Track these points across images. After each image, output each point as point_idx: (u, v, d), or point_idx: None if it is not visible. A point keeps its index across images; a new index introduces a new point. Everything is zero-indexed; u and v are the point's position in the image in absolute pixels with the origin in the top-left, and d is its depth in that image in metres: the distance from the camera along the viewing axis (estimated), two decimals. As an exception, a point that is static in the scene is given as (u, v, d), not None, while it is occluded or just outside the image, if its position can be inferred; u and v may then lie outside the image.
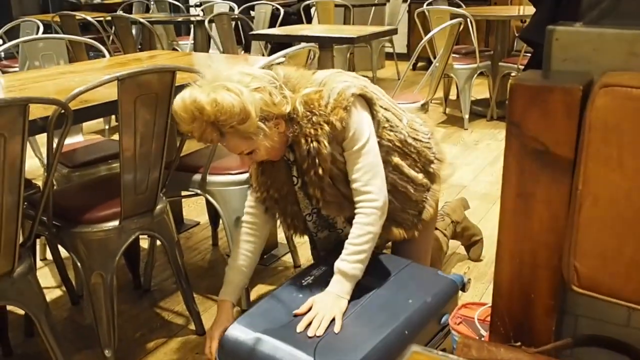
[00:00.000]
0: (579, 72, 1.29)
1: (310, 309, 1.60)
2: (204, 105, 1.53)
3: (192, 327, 2.38)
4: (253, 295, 2.60)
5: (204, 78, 1.62)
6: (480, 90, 5.99)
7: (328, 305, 1.60)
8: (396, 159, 1.81)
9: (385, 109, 1.78)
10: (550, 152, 1.23)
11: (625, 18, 1.28)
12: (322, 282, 1.72)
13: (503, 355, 1.22)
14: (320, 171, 1.67)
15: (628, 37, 1.25)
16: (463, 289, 1.82)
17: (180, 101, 1.58)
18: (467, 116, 5.15)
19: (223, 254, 3.02)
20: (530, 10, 5.70)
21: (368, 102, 1.71)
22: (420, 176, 1.88)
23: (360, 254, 1.67)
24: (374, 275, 1.76)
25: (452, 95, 5.75)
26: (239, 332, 1.58)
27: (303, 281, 1.75)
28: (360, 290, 1.69)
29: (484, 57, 5.21)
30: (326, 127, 1.63)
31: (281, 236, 2.98)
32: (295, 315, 1.61)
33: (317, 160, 1.66)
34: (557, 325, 1.35)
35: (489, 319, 1.46)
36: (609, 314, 1.39)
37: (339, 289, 1.65)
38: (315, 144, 1.64)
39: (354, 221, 1.70)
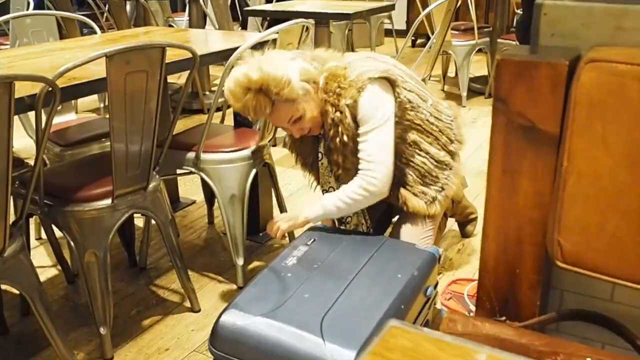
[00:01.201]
0: (566, 48, 1.28)
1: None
2: (252, 75, 1.77)
3: (188, 304, 2.39)
4: (249, 273, 2.60)
5: (245, 63, 1.85)
6: (479, 67, 5.95)
7: (289, 216, 2.00)
8: (414, 136, 1.96)
9: (409, 90, 1.92)
10: (536, 128, 1.23)
11: None
12: (310, 257, 1.75)
13: (488, 329, 1.23)
14: (345, 138, 1.85)
15: (616, 12, 1.24)
16: (439, 261, 1.87)
17: (231, 78, 1.82)
18: (465, 93, 5.11)
19: (219, 232, 3.03)
20: (530, -16, 5.64)
21: (392, 84, 1.85)
22: (441, 154, 2.03)
23: (342, 202, 1.90)
24: (357, 252, 1.80)
25: (451, 73, 5.71)
26: (236, 317, 1.54)
27: (287, 261, 1.76)
28: (348, 267, 1.71)
29: (482, 33, 5.16)
30: (348, 101, 1.82)
31: (277, 214, 2.98)
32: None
33: (340, 129, 1.84)
34: (542, 300, 1.36)
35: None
36: (593, 289, 1.40)
37: (308, 209, 1.97)
38: (339, 114, 1.83)
39: (353, 180, 1.90)
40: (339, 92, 1.82)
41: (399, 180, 2.01)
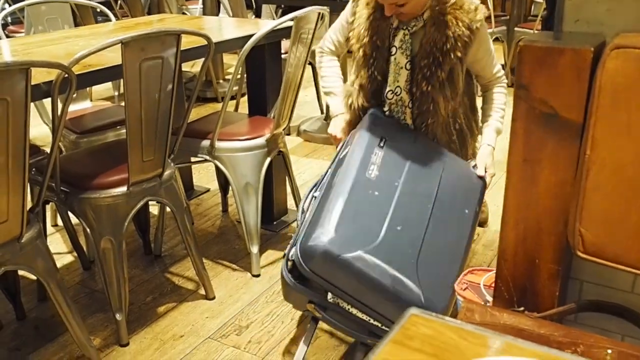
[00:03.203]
0: (591, 34, 1.25)
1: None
2: None
3: (202, 291, 2.39)
4: (263, 261, 2.61)
5: None
6: (495, 56, 5.88)
7: (485, 159, 1.99)
8: (467, 100, 2.08)
9: None
10: (558, 115, 1.20)
11: None
12: (388, 170, 1.77)
13: (506, 319, 1.22)
14: (459, 54, 1.89)
15: None
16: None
17: None
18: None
19: (233, 220, 3.03)
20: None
21: None
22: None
23: (504, 114, 2.05)
24: (428, 168, 1.84)
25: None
26: (340, 246, 1.55)
27: (370, 172, 1.73)
28: (424, 191, 1.77)
29: (499, 22, 5.10)
30: (467, 20, 1.88)
31: (291, 203, 2.98)
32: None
33: (458, 44, 1.87)
34: (561, 290, 1.34)
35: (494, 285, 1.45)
36: (614, 280, 1.38)
37: (492, 140, 2.04)
38: (463, 29, 1.87)
39: (495, 91, 2.09)
40: (467, 10, 1.88)
41: (445, 145, 2.02)
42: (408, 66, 1.94)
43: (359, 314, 1.65)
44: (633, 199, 1.13)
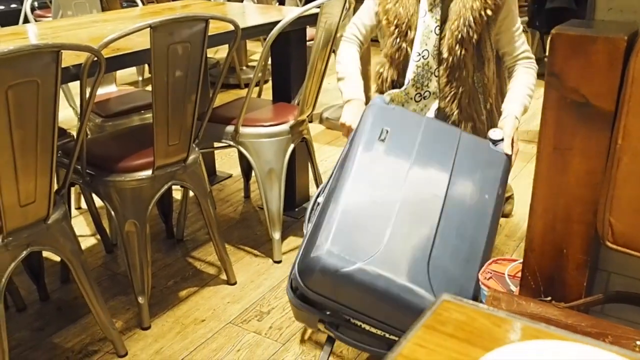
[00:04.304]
0: (624, 22, 1.24)
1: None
2: None
3: (224, 277, 2.41)
4: (285, 247, 2.62)
5: None
6: (523, 35, 5.82)
7: (510, 130, 1.82)
8: (499, 81, 2.06)
9: None
10: (590, 104, 1.19)
11: None
12: (392, 165, 1.62)
13: (532, 309, 1.21)
14: (489, 12, 1.86)
15: None
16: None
17: None
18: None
19: (255, 206, 3.04)
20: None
21: None
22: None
23: (531, 93, 1.95)
24: (438, 156, 1.67)
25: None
26: (338, 261, 1.43)
27: (369, 172, 1.60)
28: (435, 182, 1.61)
29: (523, 12, 5.03)
30: None
31: (313, 190, 2.98)
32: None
33: (488, 1, 1.85)
34: (588, 281, 1.33)
35: (519, 275, 1.44)
36: None
37: (519, 113, 1.88)
38: None
39: (522, 71, 1.97)
40: None
41: (476, 121, 1.99)
42: (437, 30, 1.90)
43: (373, 330, 1.54)
44: None
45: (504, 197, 1.73)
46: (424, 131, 1.71)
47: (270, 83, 2.87)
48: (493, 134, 1.78)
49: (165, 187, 2.12)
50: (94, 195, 2.31)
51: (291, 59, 2.75)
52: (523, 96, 1.93)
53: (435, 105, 1.99)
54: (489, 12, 1.86)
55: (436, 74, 1.95)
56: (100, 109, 2.61)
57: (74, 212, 2.88)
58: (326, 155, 3.58)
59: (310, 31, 2.86)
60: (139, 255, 2.08)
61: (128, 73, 5.10)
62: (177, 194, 2.87)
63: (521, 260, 1.43)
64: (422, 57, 1.93)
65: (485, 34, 1.91)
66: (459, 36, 1.87)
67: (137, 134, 2.33)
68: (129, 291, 2.17)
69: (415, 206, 1.56)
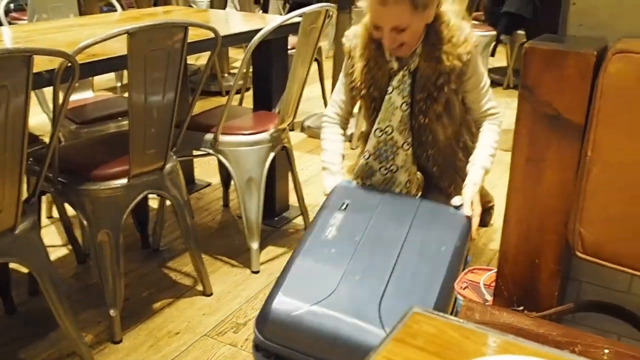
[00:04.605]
0: (594, 38, 1.29)
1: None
2: None
3: (200, 287, 2.37)
4: (263, 257, 2.59)
5: None
6: (498, 58, 5.86)
7: (471, 197, 1.85)
8: (469, 119, 2.05)
9: None
10: (562, 117, 1.23)
11: None
12: (349, 227, 1.70)
13: (505, 318, 1.23)
14: (453, 85, 1.88)
15: None
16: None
17: None
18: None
19: (234, 215, 3.01)
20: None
21: None
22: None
23: (494, 152, 1.97)
24: (396, 218, 1.75)
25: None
26: (290, 305, 1.46)
27: (326, 234, 1.69)
28: (391, 238, 1.67)
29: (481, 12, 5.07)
30: (457, 52, 1.85)
31: (293, 199, 2.96)
32: None
33: (451, 77, 1.86)
34: (560, 290, 1.36)
35: (494, 284, 1.45)
36: (611, 281, 1.40)
37: (478, 179, 1.90)
38: (456, 61, 1.85)
39: (486, 129, 1.98)
40: (456, 44, 1.85)
41: (454, 166, 2.03)
42: (404, 107, 1.91)
43: None
44: (632, 200, 1.15)
45: (465, 250, 1.74)
46: (384, 199, 1.87)
47: (251, 91, 2.85)
48: (454, 201, 1.86)
49: (141, 196, 2.09)
50: (66, 204, 2.26)
51: (272, 67, 2.73)
52: (485, 159, 1.94)
53: (405, 178, 2.01)
54: (452, 85, 1.88)
55: (404, 147, 1.96)
56: (75, 115, 2.56)
57: (45, 221, 2.82)
58: (307, 164, 3.56)
59: (292, 40, 2.85)
60: (111, 267, 2.03)
61: (106, 79, 5.05)
62: (154, 202, 2.83)
63: (496, 270, 1.43)
64: (385, 132, 1.94)
65: (452, 98, 1.93)
66: (424, 107, 1.90)
67: (112, 141, 2.30)
68: (101, 303, 2.12)
69: (369, 260, 1.60)
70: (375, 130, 1.94)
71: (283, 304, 1.48)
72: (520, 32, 5.05)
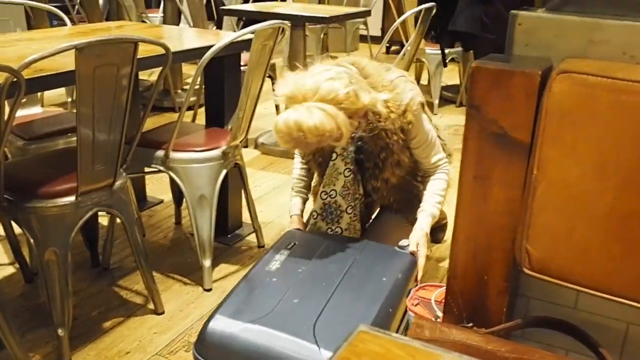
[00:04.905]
0: (539, 58, 1.31)
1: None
2: (306, 130, 1.65)
3: (151, 306, 2.33)
4: (216, 275, 2.57)
5: (290, 92, 1.73)
6: (451, 76, 5.99)
7: (417, 241, 1.92)
8: None
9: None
10: (508, 135, 1.25)
11: (586, 5, 1.29)
12: (293, 261, 1.75)
13: (455, 335, 1.23)
14: (397, 158, 1.96)
15: (588, 25, 1.26)
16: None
17: (283, 125, 1.69)
18: (437, 101, 5.14)
19: (186, 232, 2.98)
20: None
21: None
22: None
23: (441, 199, 2.05)
24: (340, 255, 1.79)
25: (424, 80, 5.74)
26: (225, 324, 1.49)
27: (270, 266, 1.73)
28: (333, 270, 1.71)
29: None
30: (398, 124, 1.90)
31: (245, 216, 2.95)
32: None
33: (395, 150, 1.93)
34: (509, 306, 1.37)
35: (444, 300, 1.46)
36: (558, 297, 1.42)
37: (425, 225, 1.99)
38: (395, 137, 1.91)
39: (434, 177, 2.06)
40: (394, 117, 1.88)
41: (416, 197, 2.09)
42: (347, 173, 1.99)
43: None
44: (577, 218, 1.17)
45: (407, 285, 1.79)
46: (331, 238, 1.94)
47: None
48: (401, 243, 1.92)
49: (90, 213, 2.05)
50: (13, 222, 2.20)
51: (225, 84, 2.73)
52: (433, 206, 2.03)
53: None
54: (395, 155, 1.95)
55: (348, 211, 2.03)
56: (23, 131, 2.51)
57: (-8, 239, 2.75)
58: (261, 181, 3.55)
59: (245, 56, 2.85)
60: (59, 285, 1.99)
61: (57, 94, 4.96)
62: (104, 219, 2.78)
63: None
64: (330, 195, 2.02)
65: (399, 157, 1.98)
66: (372, 173, 1.99)
67: (60, 158, 2.25)
68: (49, 323, 2.07)
69: (309, 287, 1.65)
70: (321, 193, 2.03)
71: (219, 323, 1.50)
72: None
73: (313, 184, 2.22)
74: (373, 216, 2.28)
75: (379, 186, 2.04)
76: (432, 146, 2.03)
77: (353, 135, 1.93)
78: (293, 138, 1.68)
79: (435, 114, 5.07)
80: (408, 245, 1.91)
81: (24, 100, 1.78)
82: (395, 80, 1.94)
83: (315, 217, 2.06)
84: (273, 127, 1.75)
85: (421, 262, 1.89)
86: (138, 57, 1.96)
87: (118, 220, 2.27)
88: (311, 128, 1.64)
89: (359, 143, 1.99)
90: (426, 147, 2.02)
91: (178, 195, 3.01)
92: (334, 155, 1.99)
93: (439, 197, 2.05)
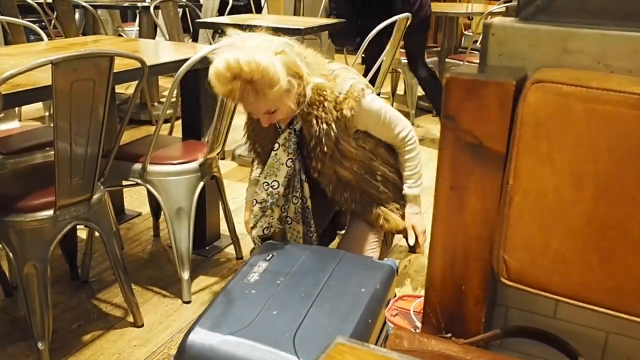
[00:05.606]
0: (513, 68, 1.30)
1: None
2: (244, 64, 1.67)
3: (131, 319, 2.33)
4: (195, 287, 2.57)
5: (233, 44, 1.75)
6: (394, 120, 6.02)
7: (423, 221, 2.04)
8: (382, 150, 2.07)
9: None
10: (483, 146, 1.24)
11: (559, 15, 1.29)
12: (271, 273, 1.75)
13: (433, 346, 1.23)
14: (325, 149, 1.91)
15: (561, 34, 1.26)
16: (397, 273, 1.91)
17: (222, 61, 1.70)
18: (413, 111, 5.19)
19: (164, 245, 2.97)
20: (478, 7, 5.79)
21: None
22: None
23: (420, 177, 2.10)
24: (318, 266, 1.80)
25: (400, 90, 5.79)
26: (205, 336, 1.49)
27: (249, 278, 1.74)
28: (311, 282, 1.72)
29: (431, 53, 5.25)
30: (334, 113, 1.88)
31: (224, 227, 2.95)
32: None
33: (323, 140, 1.89)
34: (487, 316, 1.37)
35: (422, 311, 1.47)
36: (537, 306, 1.41)
37: (417, 208, 2.11)
38: (324, 126, 1.88)
39: (405, 157, 2.08)
40: (327, 106, 1.87)
41: (377, 199, 2.08)
42: (289, 163, 1.98)
43: None
44: (554, 227, 1.17)
45: (386, 295, 1.79)
46: (309, 250, 1.94)
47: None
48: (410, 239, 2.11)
49: (69, 227, 2.05)
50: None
51: (201, 96, 2.74)
52: (411, 188, 2.10)
53: (301, 228, 2.10)
54: (332, 140, 1.91)
55: (293, 201, 2.04)
56: (0, 146, 2.50)
57: (-31, 253, 2.72)
58: (238, 193, 3.56)
59: (221, 69, 2.86)
60: (39, 299, 1.98)
61: (34, 108, 4.93)
62: (82, 233, 2.77)
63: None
64: (272, 187, 2.02)
65: (341, 145, 1.95)
66: (313, 154, 1.95)
67: (38, 172, 2.25)
68: (29, 336, 2.06)
69: (287, 299, 1.65)
70: (263, 184, 2.02)
71: (199, 335, 1.50)
72: (449, 60, 5.23)
73: (254, 175, 2.21)
74: (346, 227, 2.28)
75: (325, 171, 1.99)
76: (389, 123, 2.01)
77: (293, 124, 1.95)
78: (232, 77, 1.68)
79: (412, 124, 5.12)
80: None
81: (1, 115, 1.79)
82: (336, 71, 1.94)
83: (263, 207, 2.04)
84: (210, 75, 1.74)
85: (421, 239, 2.06)
86: (114, 71, 1.97)
87: (96, 233, 2.27)
88: (250, 62, 1.66)
89: (300, 134, 1.97)
90: (382, 126, 2.00)
91: (156, 208, 3.00)
92: (277, 146, 1.98)
93: (414, 176, 2.09)
